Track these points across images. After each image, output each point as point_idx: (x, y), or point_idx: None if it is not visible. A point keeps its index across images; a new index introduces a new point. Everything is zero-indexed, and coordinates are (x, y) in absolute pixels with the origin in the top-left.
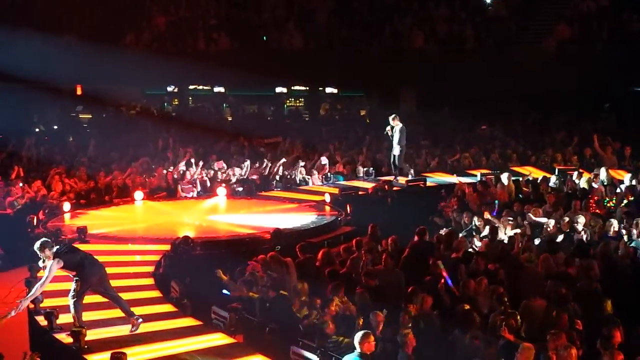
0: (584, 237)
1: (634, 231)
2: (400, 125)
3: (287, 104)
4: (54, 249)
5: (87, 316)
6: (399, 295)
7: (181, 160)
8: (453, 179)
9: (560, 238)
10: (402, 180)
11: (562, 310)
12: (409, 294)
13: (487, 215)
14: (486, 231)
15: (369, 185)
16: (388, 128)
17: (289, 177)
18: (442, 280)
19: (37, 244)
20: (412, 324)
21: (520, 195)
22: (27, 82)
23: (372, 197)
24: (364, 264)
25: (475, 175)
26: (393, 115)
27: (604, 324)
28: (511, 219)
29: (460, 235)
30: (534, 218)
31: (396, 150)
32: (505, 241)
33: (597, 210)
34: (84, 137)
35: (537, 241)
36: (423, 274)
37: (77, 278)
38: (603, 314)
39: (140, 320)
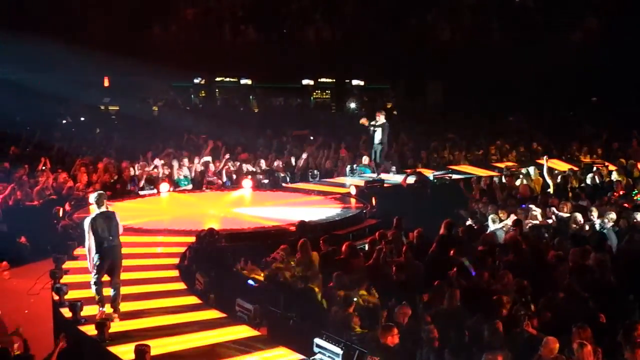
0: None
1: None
2: (385, 121)
3: (314, 97)
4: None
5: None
6: (417, 288)
7: (205, 151)
8: (477, 171)
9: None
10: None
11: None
12: (435, 288)
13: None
14: (507, 222)
15: (394, 178)
16: (372, 122)
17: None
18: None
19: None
20: (437, 318)
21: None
22: (54, 73)
23: (401, 190)
24: (384, 255)
25: (502, 168)
26: (379, 110)
27: (625, 318)
28: (536, 211)
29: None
30: (558, 213)
31: (377, 146)
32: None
33: (625, 204)
34: (111, 129)
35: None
36: (450, 268)
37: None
38: (624, 307)
39: (116, 319)
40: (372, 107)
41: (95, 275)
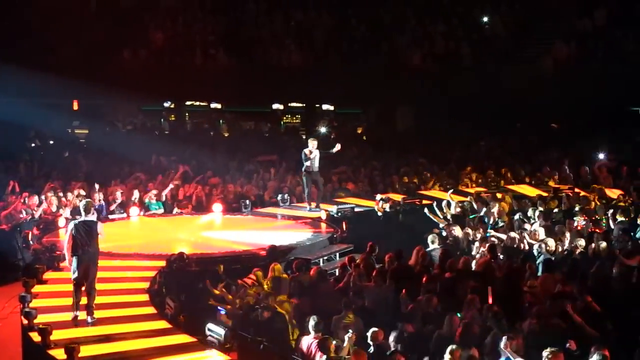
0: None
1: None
2: (319, 150)
3: (284, 121)
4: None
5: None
6: (387, 313)
7: (176, 176)
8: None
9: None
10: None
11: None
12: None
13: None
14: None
15: (366, 202)
16: (307, 151)
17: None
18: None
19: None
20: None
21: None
22: (24, 97)
23: (369, 215)
24: (353, 280)
25: (471, 193)
26: (312, 138)
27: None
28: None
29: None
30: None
31: (315, 175)
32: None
33: (596, 230)
34: (80, 152)
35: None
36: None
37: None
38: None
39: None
40: (342, 132)
41: (73, 276)
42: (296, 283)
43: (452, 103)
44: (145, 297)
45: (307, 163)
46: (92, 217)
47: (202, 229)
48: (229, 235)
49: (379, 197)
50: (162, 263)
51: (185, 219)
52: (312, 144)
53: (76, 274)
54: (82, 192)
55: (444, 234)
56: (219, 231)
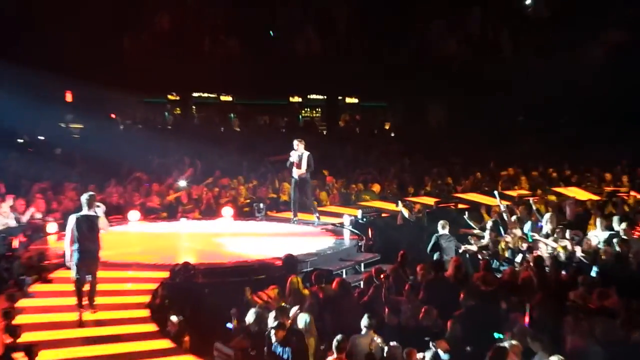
0: None
1: None
2: (307, 152)
3: (303, 115)
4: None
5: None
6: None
7: (183, 176)
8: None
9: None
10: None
11: None
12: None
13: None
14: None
15: (394, 207)
16: (293, 154)
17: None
18: None
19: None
20: None
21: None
22: (11, 88)
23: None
24: (385, 294)
25: (513, 197)
26: (299, 140)
27: None
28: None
29: None
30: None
31: (303, 182)
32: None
33: None
34: (74, 149)
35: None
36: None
37: None
38: None
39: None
40: (367, 127)
41: (73, 274)
42: (316, 297)
43: (488, 96)
44: (145, 313)
45: (293, 168)
46: (100, 210)
47: (210, 236)
48: (240, 242)
49: (400, 203)
50: (165, 274)
51: (192, 225)
52: (298, 144)
53: (76, 272)
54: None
55: (485, 242)
56: (229, 238)
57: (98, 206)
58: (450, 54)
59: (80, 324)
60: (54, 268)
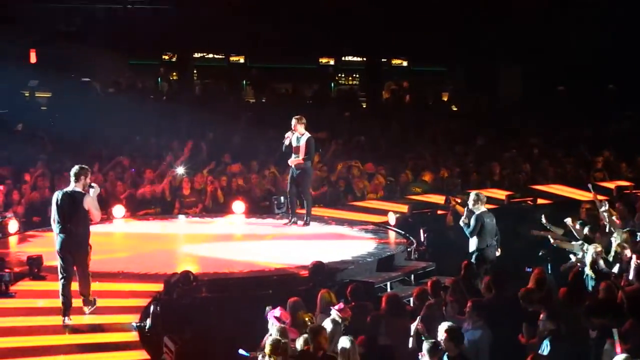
0: None
1: None
2: (308, 135)
3: (337, 82)
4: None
5: None
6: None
7: (180, 159)
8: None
9: None
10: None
11: None
12: None
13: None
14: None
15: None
16: (288, 135)
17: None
18: None
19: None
20: None
21: None
22: None
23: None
24: (448, 311)
25: (610, 189)
26: (297, 117)
27: None
28: None
29: None
30: None
31: (302, 175)
32: None
33: None
34: (40, 125)
35: None
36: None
37: None
38: None
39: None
40: (419, 97)
41: (58, 264)
42: (355, 316)
43: (575, 61)
44: (134, 336)
45: (292, 155)
46: (93, 192)
47: (217, 238)
48: (255, 246)
49: (450, 200)
50: (159, 286)
51: (193, 223)
52: (296, 124)
53: (60, 261)
54: None
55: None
56: (240, 241)
57: (92, 186)
58: (526, 5)
59: (68, 331)
60: (14, 278)
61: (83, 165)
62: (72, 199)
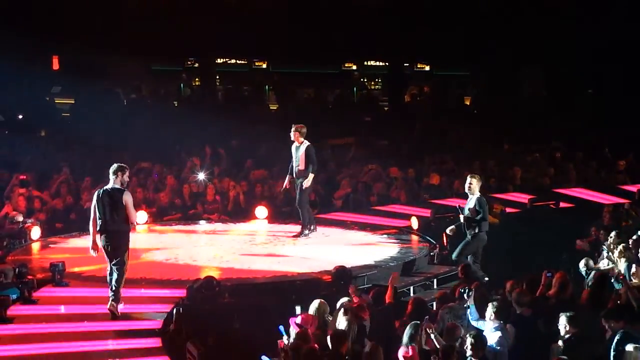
0: None
1: None
2: (307, 143)
3: (361, 87)
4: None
5: None
6: None
7: (200, 165)
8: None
9: None
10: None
11: None
12: None
13: None
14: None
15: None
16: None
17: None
18: None
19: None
20: None
21: None
22: None
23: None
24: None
25: (633, 193)
26: (296, 127)
27: None
28: None
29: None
30: None
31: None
32: None
33: None
34: (63, 131)
35: None
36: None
37: None
38: None
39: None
40: (439, 100)
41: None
42: (376, 321)
43: (599, 60)
44: (156, 342)
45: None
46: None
47: (240, 244)
48: (278, 251)
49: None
50: (182, 293)
51: (216, 229)
52: (295, 132)
53: (105, 256)
54: None
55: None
56: (263, 246)
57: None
58: (550, 4)
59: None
60: (39, 285)
61: (121, 164)
62: (111, 197)
